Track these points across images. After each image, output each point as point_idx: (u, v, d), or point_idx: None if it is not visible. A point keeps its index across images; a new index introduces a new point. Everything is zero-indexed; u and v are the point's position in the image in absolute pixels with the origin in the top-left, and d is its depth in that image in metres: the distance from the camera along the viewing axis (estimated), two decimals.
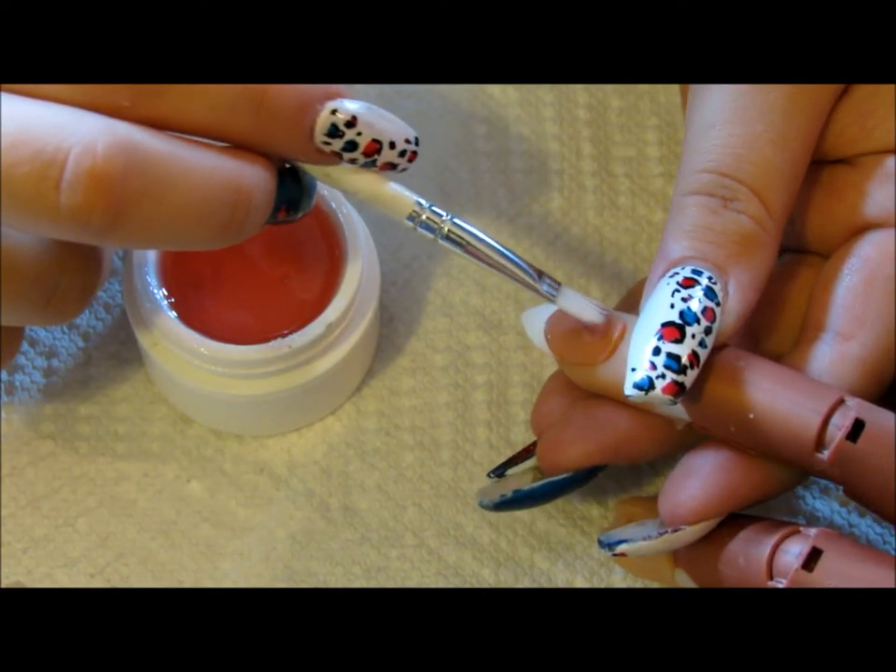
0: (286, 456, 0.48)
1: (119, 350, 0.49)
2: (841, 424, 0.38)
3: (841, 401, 0.38)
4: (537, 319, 0.43)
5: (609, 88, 0.54)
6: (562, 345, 0.42)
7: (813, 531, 0.39)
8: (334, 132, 0.39)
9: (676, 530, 0.40)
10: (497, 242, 0.41)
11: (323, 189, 0.46)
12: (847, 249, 0.43)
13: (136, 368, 0.49)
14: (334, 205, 0.47)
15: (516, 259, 0.41)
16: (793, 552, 0.38)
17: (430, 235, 0.41)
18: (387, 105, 0.53)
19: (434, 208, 0.41)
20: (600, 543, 0.42)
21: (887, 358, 0.41)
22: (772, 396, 0.39)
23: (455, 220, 0.41)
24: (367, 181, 0.41)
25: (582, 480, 0.43)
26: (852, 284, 0.42)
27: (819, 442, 0.38)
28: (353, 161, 0.40)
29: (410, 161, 0.41)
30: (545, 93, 0.54)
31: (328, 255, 0.46)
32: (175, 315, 0.45)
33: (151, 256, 0.46)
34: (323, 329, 0.45)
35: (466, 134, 0.53)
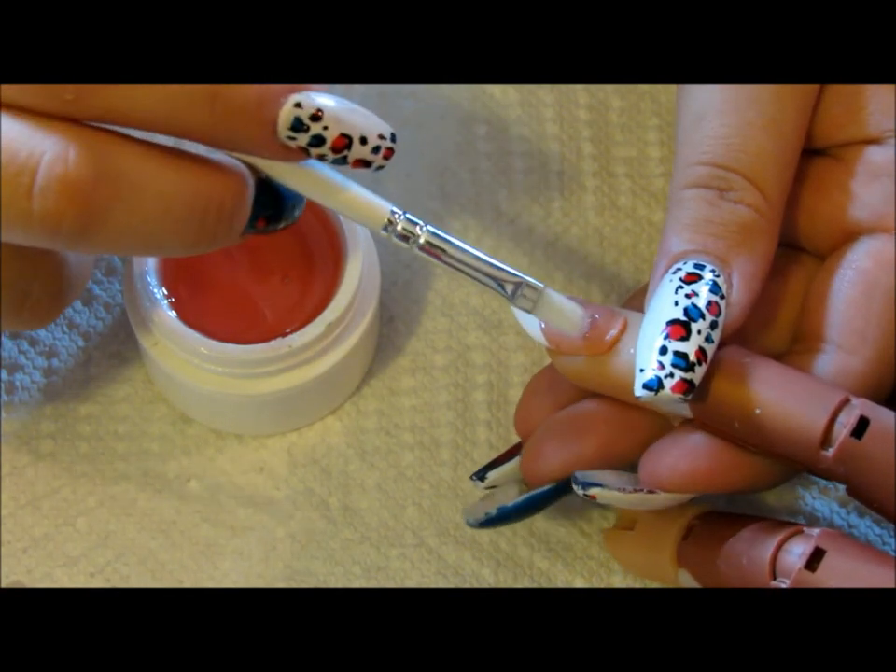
0: (286, 456, 0.48)
1: (119, 350, 0.49)
2: (846, 422, 0.38)
3: (847, 401, 0.38)
4: None
5: (609, 88, 0.54)
6: (559, 337, 0.41)
7: (816, 531, 0.39)
8: (298, 126, 0.37)
9: (651, 492, 0.40)
10: (476, 249, 0.40)
11: None
12: (840, 256, 0.43)
13: (136, 368, 0.49)
14: None
15: (499, 266, 0.40)
16: (796, 552, 0.38)
17: (405, 245, 0.40)
18: (387, 104, 0.53)
19: (408, 216, 0.40)
20: (574, 480, 0.41)
21: (888, 372, 0.41)
22: (779, 392, 0.39)
23: (430, 228, 0.40)
24: (337, 187, 0.39)
25: (568, 489, 0.42)
26: (851, 297, 0.42)
27: (825, 440, 0.38)
28: (321, 158, 0.38)
29: (385, 158, 0.39)
30: (545, 94, 0.54)
31: (328, 255, 0.46)
32: (175, 314, 0.45)
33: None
34: (323, 328, 0.45)
35: (466, 135, 0.53)
